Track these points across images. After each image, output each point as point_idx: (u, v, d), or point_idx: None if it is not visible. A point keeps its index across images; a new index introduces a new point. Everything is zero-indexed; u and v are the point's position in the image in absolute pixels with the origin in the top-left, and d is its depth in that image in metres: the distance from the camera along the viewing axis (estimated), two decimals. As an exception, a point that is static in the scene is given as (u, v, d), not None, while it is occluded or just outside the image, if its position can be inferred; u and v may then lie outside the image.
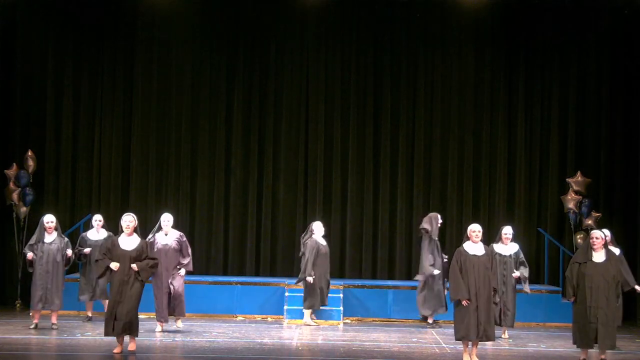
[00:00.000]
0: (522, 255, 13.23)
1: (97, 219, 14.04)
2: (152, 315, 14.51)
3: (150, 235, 12.97)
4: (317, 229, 14.37)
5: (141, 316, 14.29)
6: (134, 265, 10.91)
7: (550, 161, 16.81)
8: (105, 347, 11.30)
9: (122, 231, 11.11)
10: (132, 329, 10.97)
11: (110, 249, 11.03)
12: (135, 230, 11.15)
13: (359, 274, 16.44)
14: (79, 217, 16.43)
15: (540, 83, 16.88)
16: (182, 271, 13.04)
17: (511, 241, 13.24)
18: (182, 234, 13.20)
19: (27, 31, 16.72)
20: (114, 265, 10.86)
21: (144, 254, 10.99)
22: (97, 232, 13.94)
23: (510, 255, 13.09)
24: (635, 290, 12.18)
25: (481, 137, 16.88)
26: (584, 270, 10.92)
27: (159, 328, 13.00)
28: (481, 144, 16.87)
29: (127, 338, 11.09)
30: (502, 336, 12.96)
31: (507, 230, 13.25)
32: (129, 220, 11.12)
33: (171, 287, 12.86)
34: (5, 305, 15.83)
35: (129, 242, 11.03)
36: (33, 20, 16.72)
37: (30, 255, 12.95)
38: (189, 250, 13.14)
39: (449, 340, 12.64)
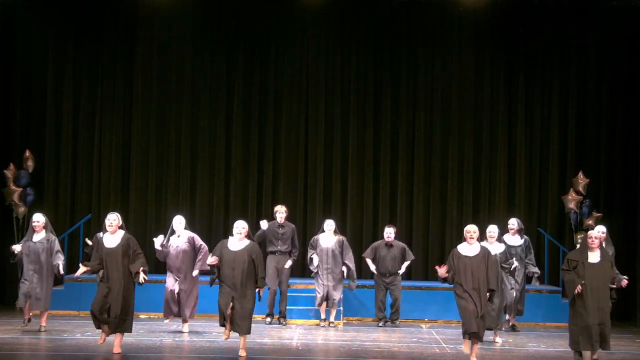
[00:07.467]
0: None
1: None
2: (153, 315, 14.52)
3: (164, 239, 12.92)
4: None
5: (142, 316, 14.44)
6: (141, 279, 10.84)
7: (550, 161, 16.82)
8: (105, 347, 11.25)
9: (106, 230, 11.09)
10: (126, 326, 10.94)
11: (96, 249, 11.04)
12: (121, 227, 11.09)
13: (359, 274, 16.39)
14: (79, 217, 16.44)
15: (540, 83, 16.90)
16: (195, 272, 12.93)
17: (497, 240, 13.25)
18: (194, 235, 13.08)
19: (27, 31, 16.71)
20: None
21: (130, 249, 10.94)
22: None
23: (496, 255, 13.03)
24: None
25: (481, 137, 16.89)
26: (581, 272, 10.85)
27: (166, 322, 12.94)
28: (481, 144, 16.87)
29: (112, 337, 11.00)
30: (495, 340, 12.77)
31: (492, 229, 13.19)
32: (112, 218, 11.05)
33: (177, 287, 12.78)
34: (5, 305, 15.82)
35: (113, 239, 11.00)
36: (33, 20, 16.71)
37: (15, 248, 12.91)
38: (202, 250, 12.97)
39: (449, 340, 12.64)
